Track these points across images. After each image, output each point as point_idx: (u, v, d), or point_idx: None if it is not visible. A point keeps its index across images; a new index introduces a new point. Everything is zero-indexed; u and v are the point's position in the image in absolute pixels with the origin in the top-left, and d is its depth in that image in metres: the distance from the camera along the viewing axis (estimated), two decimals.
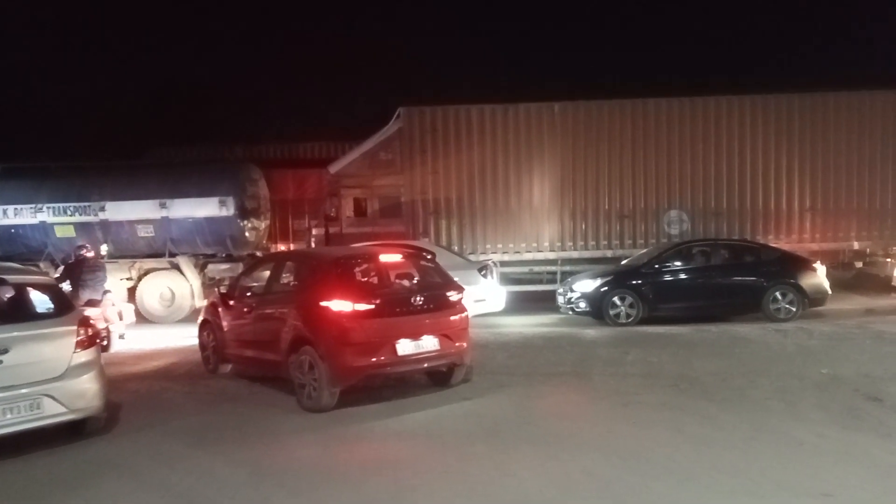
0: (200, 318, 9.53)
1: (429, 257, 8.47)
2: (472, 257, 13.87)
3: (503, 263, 14.23)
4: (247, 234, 14.59)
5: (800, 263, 12.28)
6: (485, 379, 8.16)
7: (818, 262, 12.45)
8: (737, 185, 14.47)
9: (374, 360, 7.09)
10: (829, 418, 6.34)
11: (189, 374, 9.18)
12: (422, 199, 14.46)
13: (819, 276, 12.07)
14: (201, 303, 13.08)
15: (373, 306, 7.16)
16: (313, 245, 14.85)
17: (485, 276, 12.17)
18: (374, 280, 7.99)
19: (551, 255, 14.45)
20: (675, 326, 11.37)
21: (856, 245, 14.58)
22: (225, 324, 8.74)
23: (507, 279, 14.07)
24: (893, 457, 5.32)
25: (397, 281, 8.00)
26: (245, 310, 8.35)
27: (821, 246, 14.34)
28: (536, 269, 14.48)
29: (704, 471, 5.15)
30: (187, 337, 11.26)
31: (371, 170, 14.73)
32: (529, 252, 14.51)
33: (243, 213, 14.37)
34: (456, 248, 14.21)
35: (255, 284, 8.85)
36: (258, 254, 14.67)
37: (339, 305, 7.05)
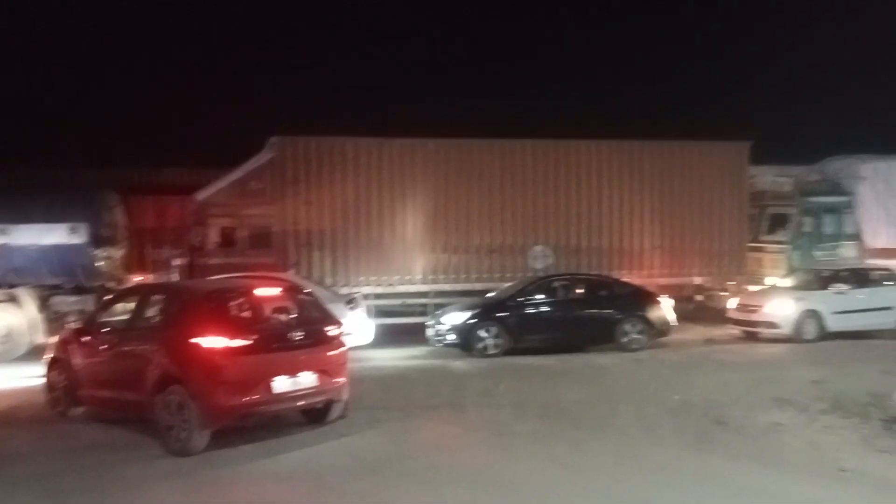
0: (49, 356, 8.71)
1: (307, 290, 8.35)
2: (345, 289, 13.74)
3: (377, 296, 14.22)
4: (100, 263, 13.57)
5: (647, 297, 13.28)
6: (361, 414, 8.08)
7: (664, 295, 13.54)
8: (594, 224, 15.44)
9: (248, 398, 6.85)
10: (683, 442, 6.90)
11: (35, 418, 8.32)
12: (294, 229, 14.16)
13: (664, 309, 13.11)
14: (42, 339, 11.95)
15: (248, 342, 6.95)
16: (176, 277, 14.07)
17: (352, 308, 12.13)
18: (249, 314, 7.75)
19: (423, 288, 14.62)
20: (541, 357, 11.87)
21: (697, 280, 15.99)
22: (79, 362, 8.05)
23: (380, 312, 14.06)
24: (741, 476, 5.89)
25: (273, 315, 7.80)
26: (103, 346, 7.77)
27: (668, 281, 15.55)
28: (409, 301, 14.58)
29: (578, 497, 5.43)
30: (27, 377, 10.21)
31: (240, 199, 14.23)
32: (402, 285, 14.60)
33: (97, 240, 13.38)
34: (329, 280, 14.02)
35: (115, 319, 8.26)
36: (112, 285, 13.67)
37: (211, 341, 6.78)
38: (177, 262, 14.42)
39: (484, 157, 15.04)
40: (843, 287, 13.48)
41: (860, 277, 14.05)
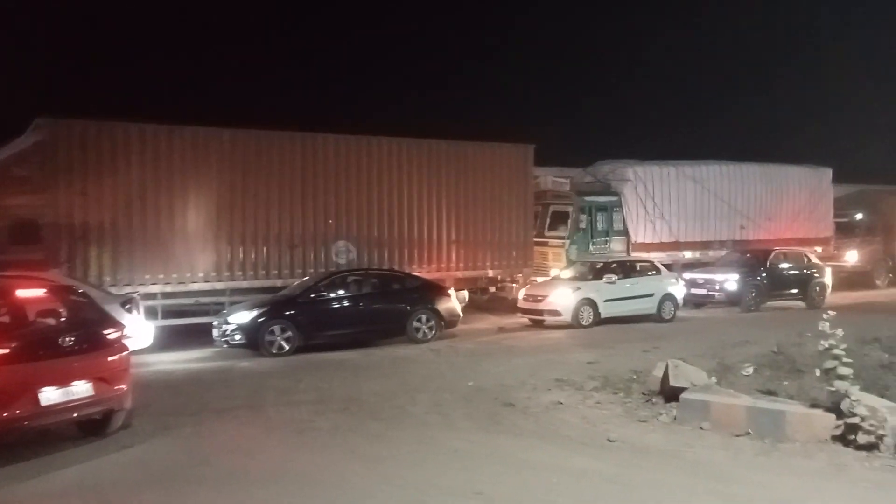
0: None
1: (80, 291, 7.56)
2: (128, 288, 12.62)
3: (165, 295, 13.25)
4: None
5: (436, 290, 13.81)
6: (148, 422, 7.51)
7: (452, 288, 14.20)
8: (395, 219, 15.72)
9: (8, 413, 6.08)
10: (476, 426, 7.31)
11: None
12: (67, 223, 12.68)
13: (452, 301, 13.73)
14: None
15: (5, 350, 6.17)
16: None
17: (129, 310, 11.20)
18: (7, 319, 6.84)
19: (219, 286, 13.86)
20: (342, 352, 11.87)
21: (490, 273, 16.95)
22: None
23: (169, 312, 13.14)
24: (526, 453, 6.38)
25: (39, 319, 6.97)
26: None
27: (464, 273, 16.33)
28: (203, 300, 13.76)
29: (377, 486, 5.53)
30: None
31: (0, 187, 12.51)
32: (195, 283, 13.71)
33: None
34: (109, 278, 12.77)
35: None
36: None
37: None
38: None
39: (284, 149, 14.62)
40: (613, 277, 15.09)
41: (627, 269, 15.83)
